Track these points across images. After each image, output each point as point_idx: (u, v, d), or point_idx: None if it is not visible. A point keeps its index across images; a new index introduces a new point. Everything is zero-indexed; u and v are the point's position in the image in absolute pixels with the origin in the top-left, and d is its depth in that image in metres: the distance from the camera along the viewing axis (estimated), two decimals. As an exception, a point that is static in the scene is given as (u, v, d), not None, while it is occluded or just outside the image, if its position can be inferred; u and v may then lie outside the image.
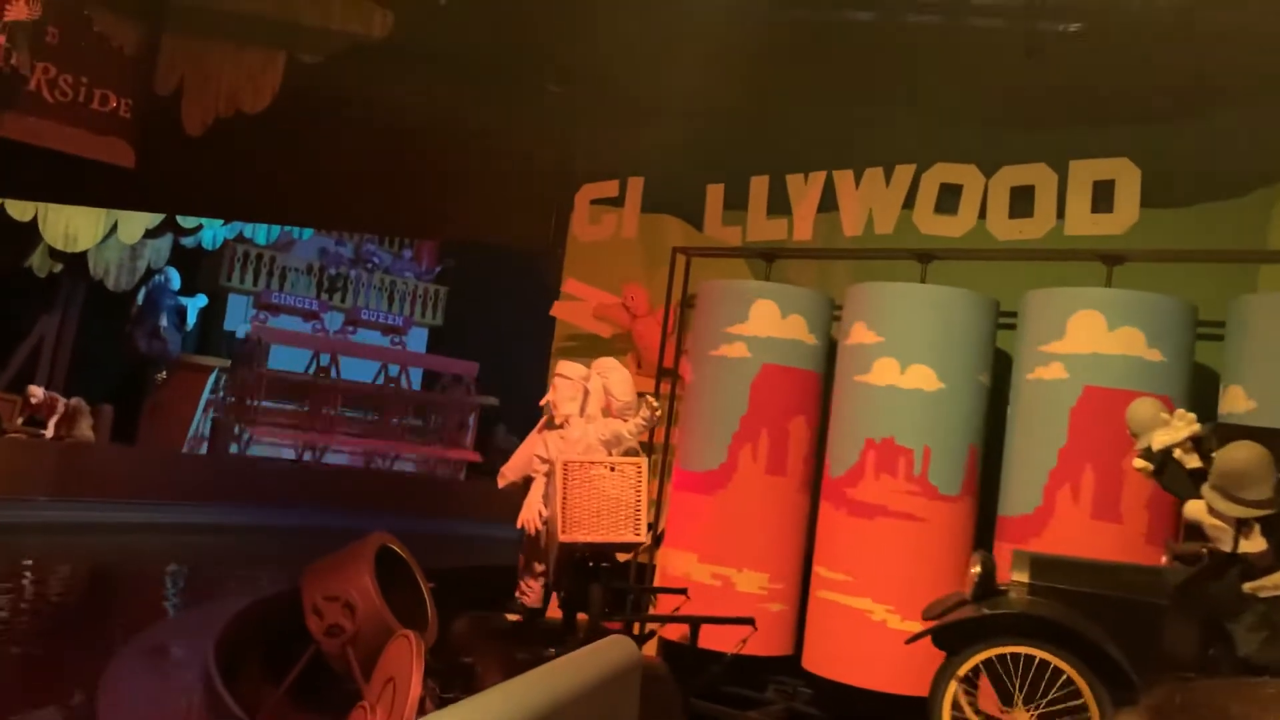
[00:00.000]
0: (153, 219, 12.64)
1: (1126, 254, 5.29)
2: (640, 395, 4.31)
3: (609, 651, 3.95)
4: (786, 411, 5.21)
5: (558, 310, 7.22)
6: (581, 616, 4.75)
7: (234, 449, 15.57)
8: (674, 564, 5.07)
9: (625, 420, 4.50)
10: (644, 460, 4.12)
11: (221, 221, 13.95)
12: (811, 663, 4.91)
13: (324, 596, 5.79)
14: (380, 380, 17.94)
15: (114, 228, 12.54)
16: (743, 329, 5.23)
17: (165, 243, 14.27)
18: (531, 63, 7.84)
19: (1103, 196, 5.94)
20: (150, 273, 14.54)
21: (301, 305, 18.24)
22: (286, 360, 16.65)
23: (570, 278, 7.21)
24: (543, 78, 7.84)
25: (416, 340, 20.31)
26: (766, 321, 5.28)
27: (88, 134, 8.72)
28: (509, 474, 4.60)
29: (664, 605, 4.92)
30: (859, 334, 5.16)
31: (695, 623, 4.45)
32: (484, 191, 8.17)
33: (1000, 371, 5.54)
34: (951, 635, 3.49)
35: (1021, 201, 6.18)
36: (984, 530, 4.99)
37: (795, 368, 5.31)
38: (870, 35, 6.83)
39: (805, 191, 6.90)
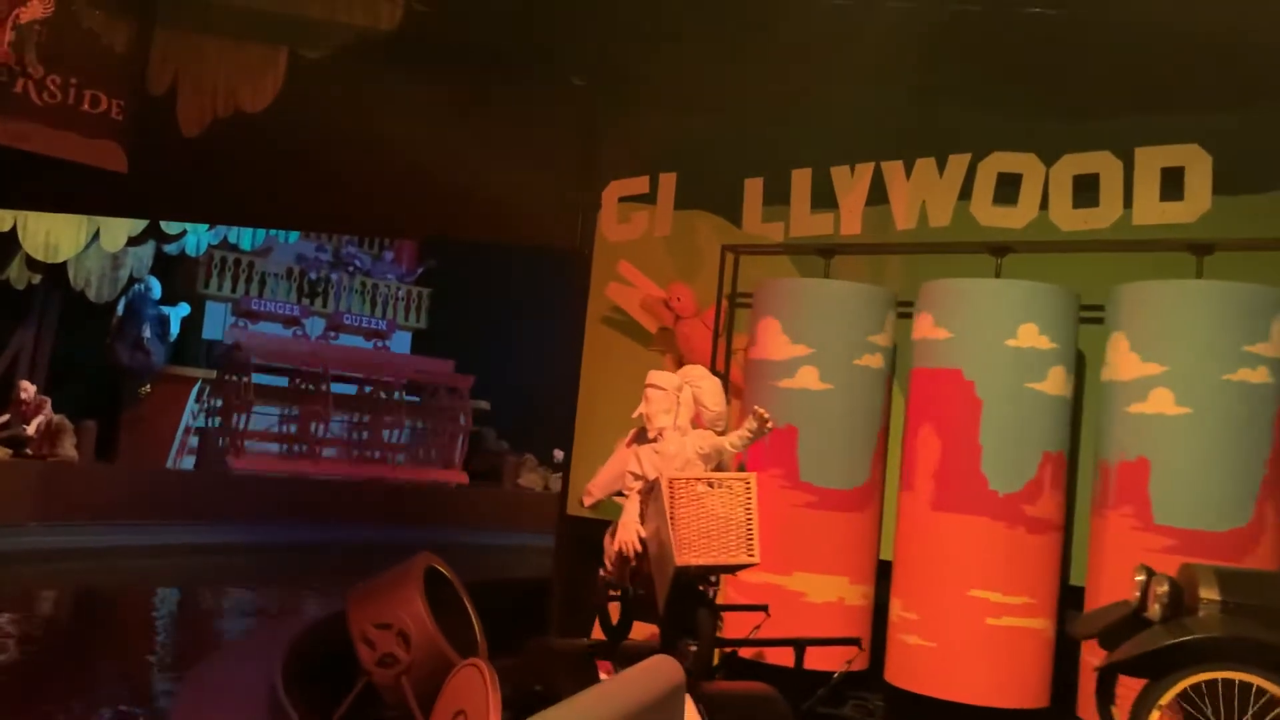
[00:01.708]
0: (135, 226, 12.13)
1: (1217, 243, 5.09)
2: (755, 409, 4.00)
3: (656, 671, 3.69)
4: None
5: (613, 292, 6.93)
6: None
7: (220, 463, 15.06)
8: (819, 589, 4.78)
9: (715, 432, 4.21)
10: (754, 476, 3.83)
11: (207, 227, 13.46)
12: (1007, 698, 4.73)
13: (375, 624, 5.45)
14: (369, 389, 17.48)
15: (95, 235, 12.01)
16: (879, 339, 4.96)
17: (148, 250, 13.74)
18: (553, 55, 7.49)
19: (1171, 184, 5.75)
20: (132, 282, 14.00)
21: (282, 311, 17.75)
22: (268, 369, 16.17)
23: (624, 260, 6.91)
24: (565, 70, 7.50)
25: (400, 344, 19.86)
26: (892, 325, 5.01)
27: (78, 137, 8.23)
28: (596, 491, 4.29)
29: (740, 624, 4.64)
30: (1029, 336, 4.97)
31: (800, 644, 4.18)
32: (504, 191, 7.82)
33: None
34: (1149, 660, 3.25)
35: (1085, 191, 5.96)
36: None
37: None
38: (915, 20, 6.56)
39: (852, 184, 6.63)
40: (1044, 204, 6.04)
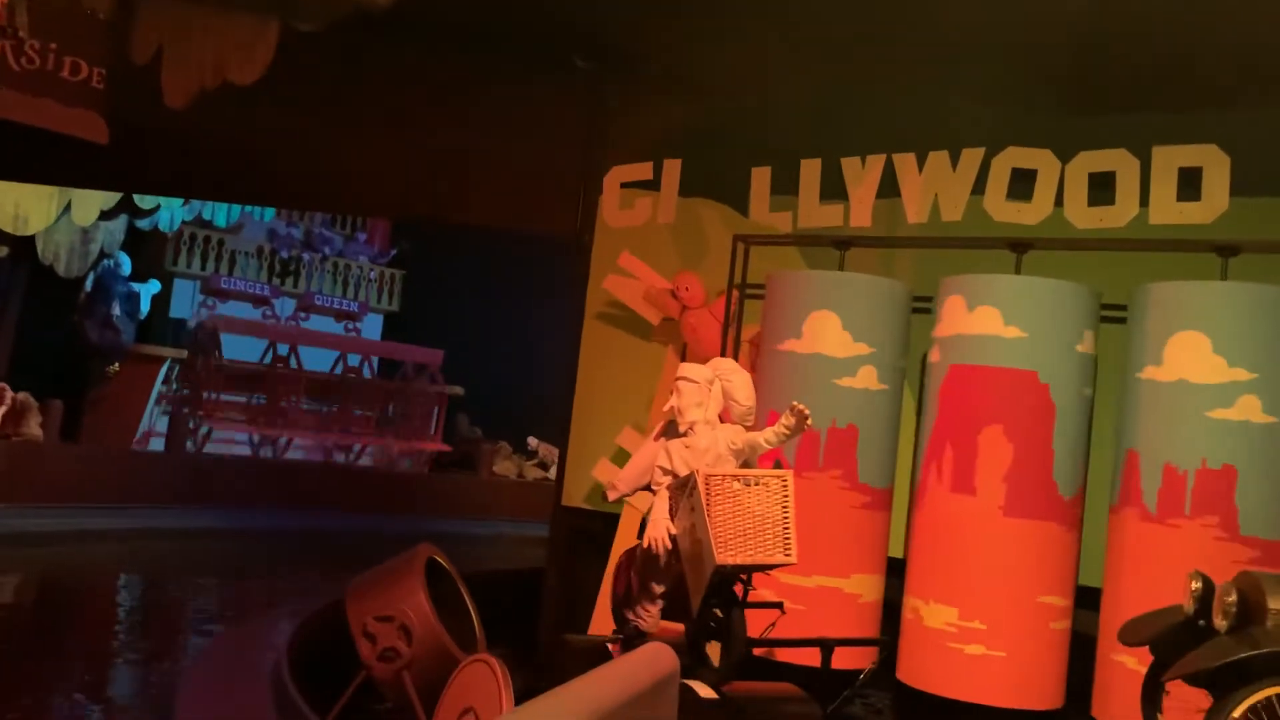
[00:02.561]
0: (108, 199, 11.75)
1: (1242, 244, 5.06)
2: (794, 404, 3.88)
3: (650, 659, 3.61)
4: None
5: (611, 284, 6.77)
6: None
7: (190, 445, 14.72)
8: (859, 588, 4.68)
9: (743, 428, 4.09)
10: (790, 473, 3.72)
11: (182, 201, 13.09)
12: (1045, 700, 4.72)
13: (375, 617, 5.28)
14: (339, 369, 17.17)
15: (67, 207, 11.62)
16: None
17: (119, 225, 13.33)
18: (555, 34, 7.31)
19: (1188, 184, 5.72)
20: (102, 257, 13.58)
21: (252, 290, 17.37)
22: (238, 349, 15.81)
23: (626, 251, 6.75)
24: (568, 51, 7.32)
25: (371, 327, 19.55)
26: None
27: (56, 106, 7.93)
28: (621, 486, 4.16)
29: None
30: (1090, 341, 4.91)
31: (828, 645, 4.09)
32: (503, 175, 7.65)
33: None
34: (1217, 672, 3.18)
35: (1100, 189, 5.91)
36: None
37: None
38: (929, 12, 6.48)
39: (863, 176, 6.53)
40: (1059, 201, 5.98)
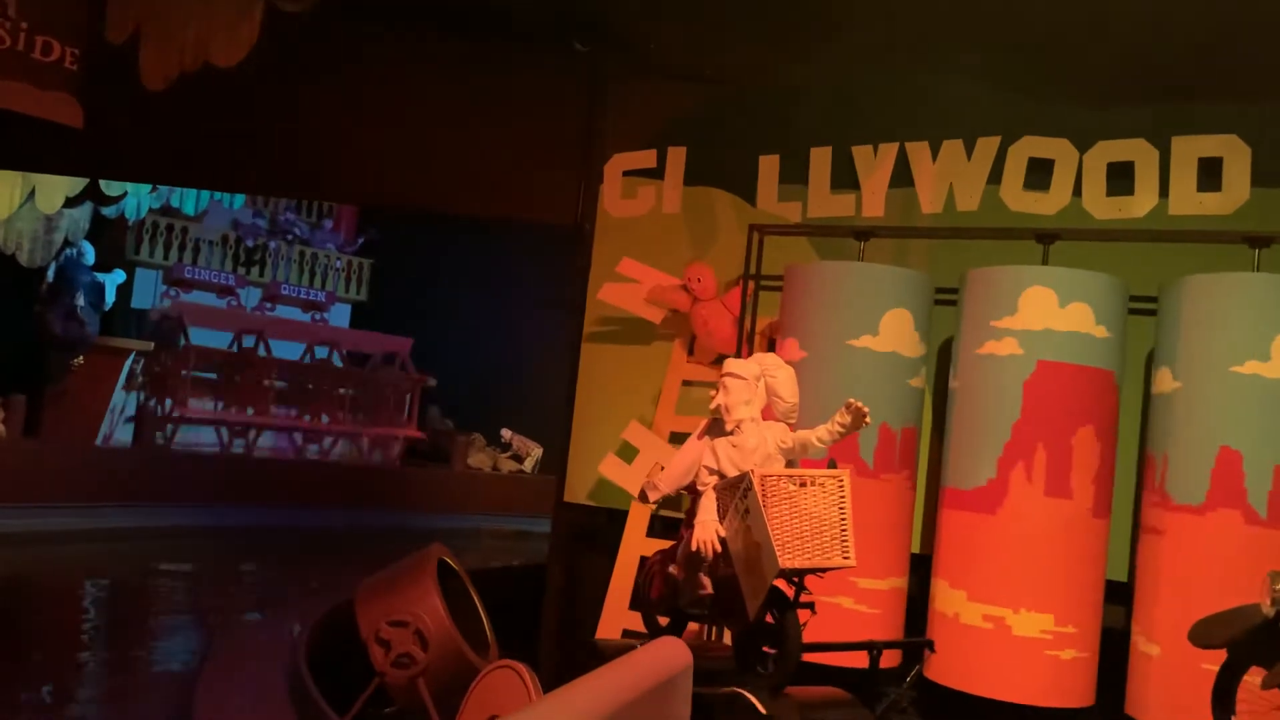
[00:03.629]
0: (73, 185, 11.31)
1: (1275, 235, 5.01)
2: (851, 401, 3.73)
3: (663, 654, 3.49)
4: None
5: (607, 294, 6.56)
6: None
7: (159, 440, 14.31)
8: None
9: (788, 425, 3.94)
10: (847, 473, 3.59)
11: (150, 188, 12.65)
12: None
13: (389, 622, 5.09)
14: (308, 360, 16.81)
15: (30, 194, 11.16)
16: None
17: (84, 212, 12.86)
18: (554, 17, 7.10)
19: (1208, 175, 5.67)
20: (65, 246, 13.11)
21: (216, 280, 16.94)
22: (204, 340, 15.39)
23: (626, 258, 6.55)
24: (567, 34, 7.11)
25: (339, 316, 19.17)
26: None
27: (28, 88, 7.57)
28: (663, 486, 3.98)
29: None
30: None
31: (875, 647, 3.97)
32: (499, 162, 7.42)
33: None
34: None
35: (1119, 179, 5.85)
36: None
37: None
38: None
39: (875, 165, 6.41)
40: (1077, 190, 5.91)
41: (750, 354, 6.02)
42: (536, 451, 17.99)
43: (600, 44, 7.09)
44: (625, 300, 6.51)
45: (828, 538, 3.53)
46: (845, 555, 3.54)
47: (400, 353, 17.55)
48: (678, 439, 6.59)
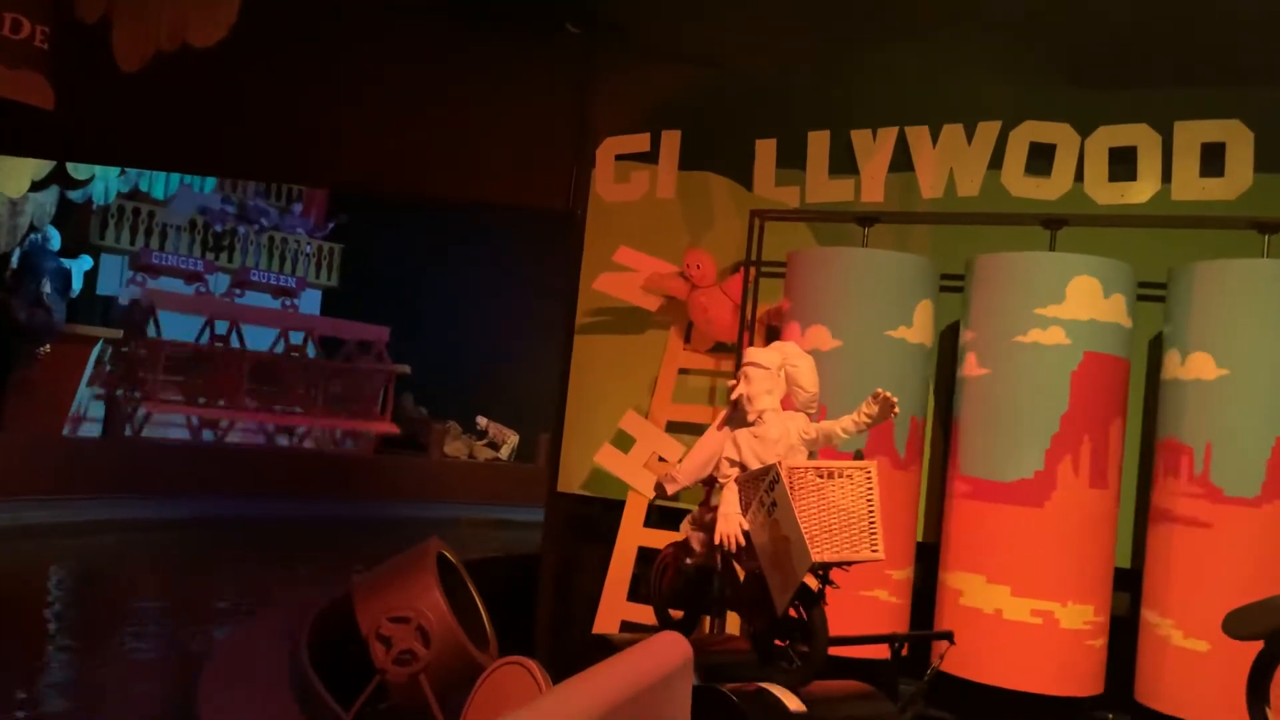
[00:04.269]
0: (39, 169, 10.97)
1: (1285, 221, 4.99)
2: (879, 390, 3.64)
3: (662, 648, 3.42)
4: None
5: (603, 284, 6.44)
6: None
7: (127, 430, 14.00)
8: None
9: (806, 416, 3.86)
10: (874, 464, 3.51)
11: (119, 172, 12.32)
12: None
13: (390, 618, 4.97)
14: (280, 347, 16.53)
15: (-5, 179, 10.84)
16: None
17: (50, 196, 12.51)
18: (545, -2, 6.95)
19: (1211, 160, 5.65)
20: (30, 231, 12.74)
21: (184, 266, 16.63)
22: (174, 327, 15.08)
23: (623, 246, 6.42)
24: (559, 14, 6.97)
25: (310, 303, 18.90)
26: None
27: (-3, 67, 7.31)
28: (681, 479, 3.88)
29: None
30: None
31: (895, 640, 3.91)
32: (487, 146, 7.27)
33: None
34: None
35: (1121, 164, 5.82)
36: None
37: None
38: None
39: (874, 149, 6.34)
40: (1079, 176, 5.87)
41: (752, 341, 5.95)
42: (513, 439, 17.85)
43: (592, 25, 6.95)
44: (622, 289, 6.40)
45: (856, 530, 3.45)
46: (874, 548, 3.46)
47: (376, 342, 17.30)
48: (674, 428, 6.50)
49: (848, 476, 3.50)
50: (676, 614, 4.37)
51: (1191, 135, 5.65)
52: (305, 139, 7.63)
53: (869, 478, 3.51)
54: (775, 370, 3.76)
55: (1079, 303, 4.74)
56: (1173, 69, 5.77)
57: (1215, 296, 4.71)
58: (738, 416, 3.83)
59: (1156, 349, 5.24)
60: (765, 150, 6.57)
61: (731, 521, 3.58)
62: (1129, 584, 5.11)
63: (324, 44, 7.39)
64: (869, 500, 3.49)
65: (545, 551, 7.06)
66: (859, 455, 3.76)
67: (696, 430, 6.50)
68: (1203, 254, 5.14)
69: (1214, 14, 5.70)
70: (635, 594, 6.32)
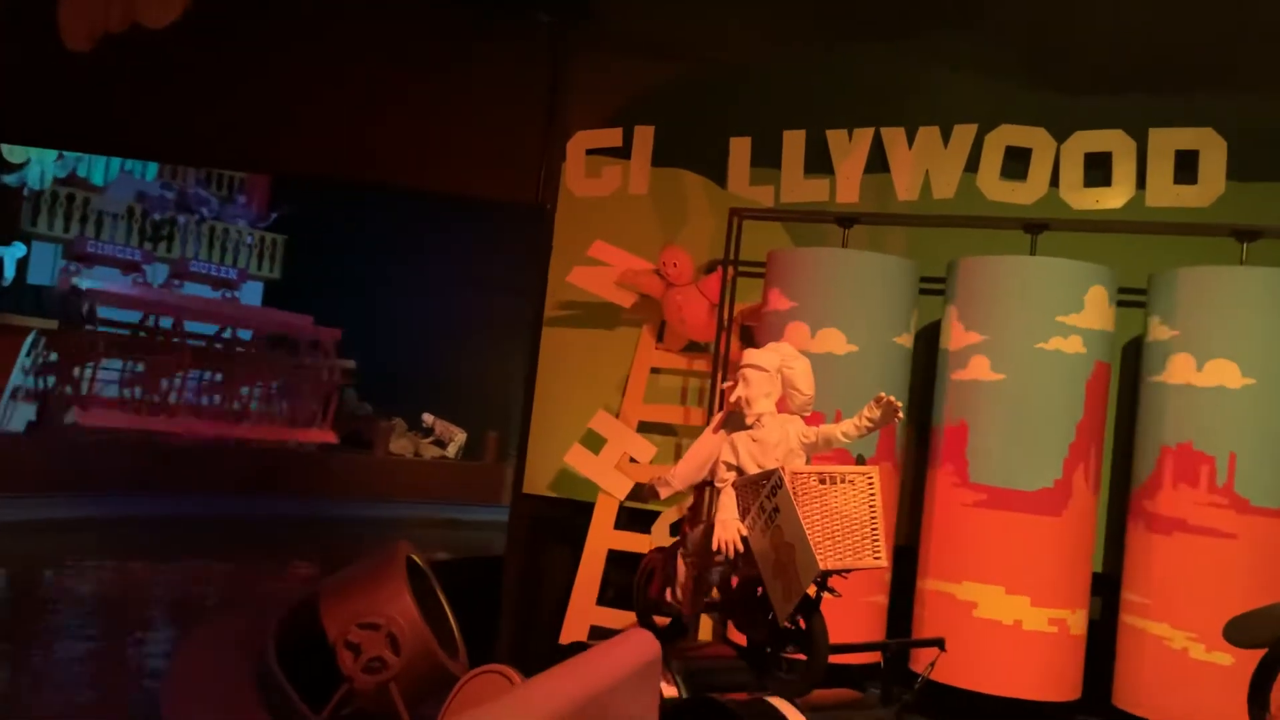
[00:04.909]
0: (-28, 153, 10.48)
1: (1263, 229, 5.03)
2: (881, 394, 3.56)
3: (631, 645, 3.37)
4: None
5: (578, 277, 6.30)
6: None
7: (62, 424, 13.47)
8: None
9: (801, 419, 3.78)
10: (876, 470, 3.43)
11: (56, 156, 11.83)
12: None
13: (359, 624, 4.79)
14: (219, 345, 16.03)
15: (-75, 162, 10.31)
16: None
17: (-18, 181, 11.99)
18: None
19: (1185, 167, 5.69)
20: (-40, 217, 12.19)
21: (121, 255, 16.08)
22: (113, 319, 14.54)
23: (599, 240, 6.29)
24: (529, 3, 6.82)
25: (250, 295, 18.42)
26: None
27: (-67, 44, 6.93)
28: (676, 482, 3.77)
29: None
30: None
31: (887, 647, 3.85)
32: (453, 136, 7.09)
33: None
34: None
35: (1096, 170, 5.84)
36: None
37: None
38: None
39: (849, 150, 6.28)
40: (1054, 181, 5.88)
41: (729, 341, 5.86)
42: (460, 437, 17.59)
43: (565, 14, 6.81)
44: (596, 284, 6.27)
45: (858, 537, 3.38)
46: (876, 555, 3.39)
47: (325, 343, 16.80)
48: (646, 428, 6.40)
49: (849, 482, 3.42)
50: (662, 621, 4.27)
51: (1165, 142, 5.69)
52: (261, 125, 7.37)
53: (871, 483, 3.44)
54: (774, 372, 3.67)
55: (1094, 312, 4.74)
56: (1147, 76, 5.81)
57: (1237, 302, 4.69)
58: (734, 419, 3.73)
59: (1132, 353, 5.25)
60: (740, 148, 6.49)
61: (730, 528, 3.48)
62: (1099, 588, 5.12)
63: (283, 27, 7.13)
64: (871, 506, 3.42)
65: (510, 554, 6.91)
66: (861, 460, 3.69)
67: (669, 431, 6.43)
68: (1179, 260, 5.17)
69: (1188, 23, 5.75)
70: (604, 598, 6.21)
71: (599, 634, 6.00)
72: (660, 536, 6.02)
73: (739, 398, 3.66)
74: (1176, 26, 5.78)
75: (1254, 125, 5.58)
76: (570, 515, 6.55)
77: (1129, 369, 5.30)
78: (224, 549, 11.36)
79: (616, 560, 6.21)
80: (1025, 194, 5.92)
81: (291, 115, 7.32)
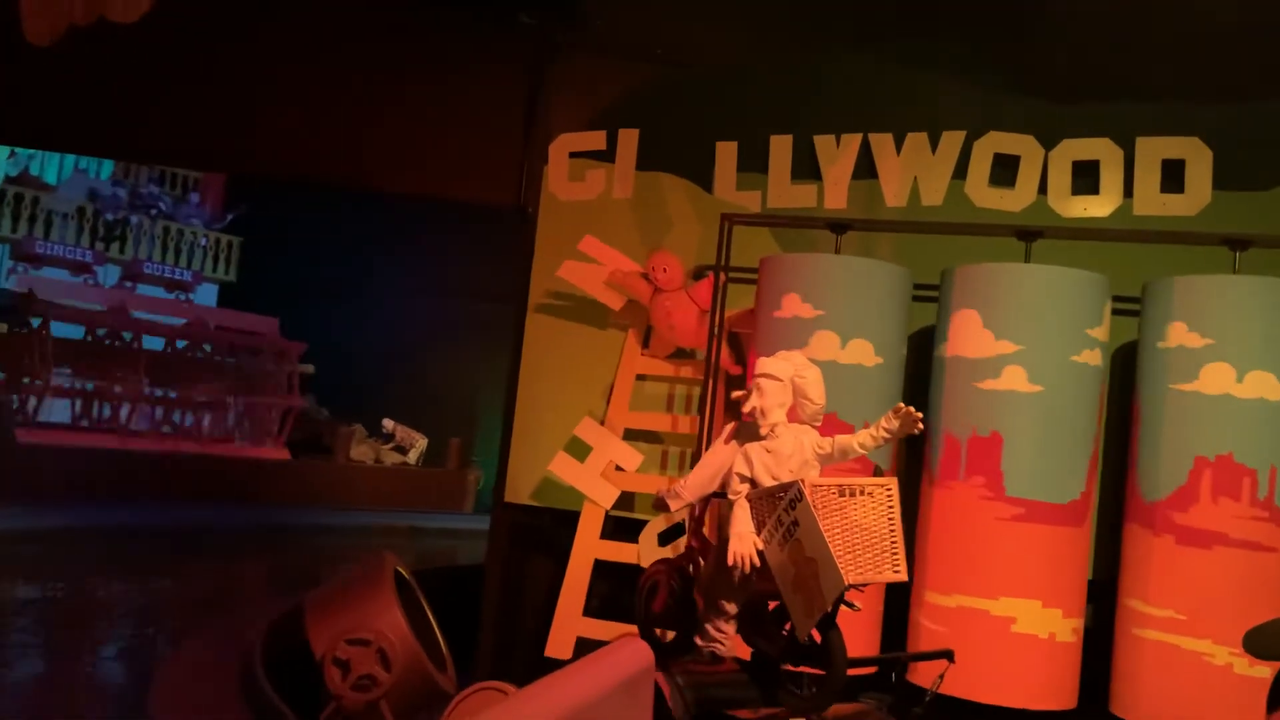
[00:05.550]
0: (-80, 149, 10.08)
1: (1254, 238, 5.07)
2: (900, 405, 3.50)
3: (624, 654, 3.32)
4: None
5: (567, 272, 6.20)
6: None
7: (11, 430, 13.03)
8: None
9: (813, 429, 3.71)
10: (895, 481, 3.37)
11: (7, 154, 11.44)
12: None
13: (347, 640, 4.64)
14: (179, 345, 15.64)
15: None
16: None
17: (-70, 179, 11.55)
18: (498, -16, 6.67)
19: (1171, 176, 5.73)
20: (-94, 216, 11.74)
21: (71, 256, 15.63)
22: (64, 322, 14.11)
23: (589, 235, 6.20)
24: (512, 3, 6.70)
25: (205, 297, 18.02)
26: (1108, 321, 4.61)
27: (-114, 35, 6.63)
28: (686, 494, 3.67)
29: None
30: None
31: (894, 661, 3.80)
32: (432, 137, 6.95)
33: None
34: None
35: (1084, 177, 5.86)
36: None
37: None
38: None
39: (837, 155, 6.25)
40: (1043, 188, 5.89)
41: (719, 348, 5.78)
42: (421, 442, 17.33)
43: (548, 15, 6.70)
44: (585, 281, 6.17)
45: (878, 550, 3.32)
46: (896, 568, 3.34)
47: (290, 353, 16.37)
48: (632, 435, 6.30)
49: (868, 494, 3.36)
50: (665, 635, 4.18)
51: (1152, 151, 5.73)
52: (235, 125, 7.16)
53: (890, 495, 3.38)
54: (788, 382, 3.59)
55: (1106, 323, 4.74)
56: (1134, 84, 5.85)
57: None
58: (746, 430, 3.65)
59: (1119, 361, 5.25)
60: (726, 153, 6.42)
61: (746, 541, 3.40)
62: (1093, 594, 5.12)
63: (257, 23, 6.93)
64: (890, 518, 3.36)
65: (490, 565, 6.76)
66: (878, 471, 3.62)
67: (655, 439, 6.34)
68: (1167, 269, 5.20)
69: (1174, 31, 5.80)
70: (589, 609, 6.10)
71: (585, 645, 5.89)
72: (648, 546, 5.92)
73: (753, 408, 3.58)
74: (1162, 35, 5.83)
75: (1239, 135, 5.64)
76: (552, 525, 6.44)
77: (1117, 377, 5.30)
78: (176, 561, 11.03)
79: (603, 571, 6.11)
80: (1014, 201, 5.93)
81: (263, 114, 7.12)
